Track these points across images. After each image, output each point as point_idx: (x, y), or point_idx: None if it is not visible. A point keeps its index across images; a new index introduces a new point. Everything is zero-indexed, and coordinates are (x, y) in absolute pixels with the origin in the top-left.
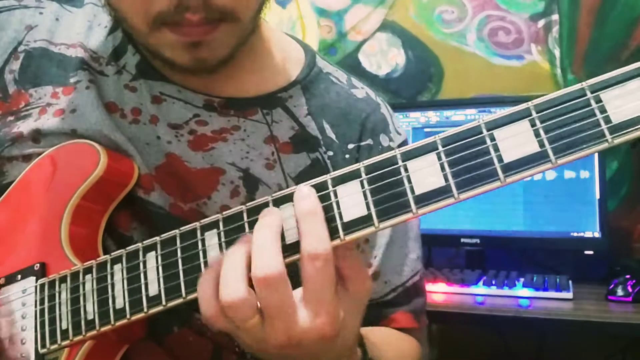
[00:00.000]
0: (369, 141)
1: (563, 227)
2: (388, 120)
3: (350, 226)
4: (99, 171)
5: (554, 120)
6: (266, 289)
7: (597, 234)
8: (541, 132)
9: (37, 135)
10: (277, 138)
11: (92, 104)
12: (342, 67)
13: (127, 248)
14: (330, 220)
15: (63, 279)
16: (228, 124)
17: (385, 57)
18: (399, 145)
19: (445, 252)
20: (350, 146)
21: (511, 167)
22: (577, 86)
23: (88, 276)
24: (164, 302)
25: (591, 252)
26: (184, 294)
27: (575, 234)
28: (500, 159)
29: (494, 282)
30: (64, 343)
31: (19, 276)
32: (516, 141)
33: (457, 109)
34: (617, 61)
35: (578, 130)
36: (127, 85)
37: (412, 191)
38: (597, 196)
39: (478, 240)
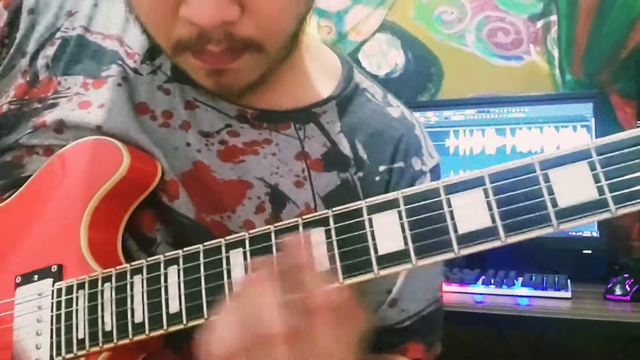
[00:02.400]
0: (401, 164)
1: None
2: (422, 142)
3: (384, 260)
4: (121, 172)
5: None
6: (288, 345)
7: (595, 234)
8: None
9: (61, 126)
10: (309, 154)
11: (121, 103)
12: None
13: (149, 259)
14: (363, 252)
15: (81, 285)
16: (260, 136)
17: (385, 58)
18: (432, 169)
19: None
20: (382, 168)
21: (565, 214)
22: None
23: (107, 284)
24: (184, 322)
25: (589, 252)
26: (205, 315)
27: (573, 233)
28: (554, 204)
29: (492, 282)
30: (80, 353)
31: (36, 276)
32: (573, 185)
33: (456, 109)
34: (615, 61)
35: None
36: (161, 87)
37: (455, 229)
38: None
39: None
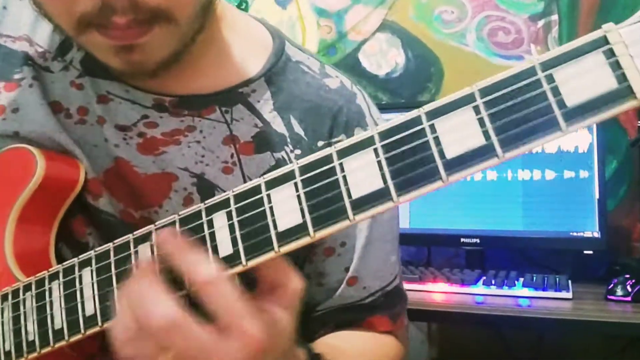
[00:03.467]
0: (342, 137)
1: (562, 226)
2: (364, 111)
3: (284, 236)
4: (37, 178)
5: (500, 107)
6: (168, 340)
7: (596, 234)
8: (486, 120)
9: None
10: (238, 138)
11: (35, 104)
12: (342, 67)
13: (64, 263)
14: (263, 230)
15: (5, 297)
16: (181, 124)
17: (385, 57)
18: None
19: (445, 252)
20: (320, 143)
21: (453, 164)
22: (527, 63)
23: (28, 293)
24: (99, 323)
25: (590, 252)
26: None
27: (574, 234)
28: (442, 155)
29: (493, 282)
30: None
31: None
32: (459, 133)
33: None
34: None
35: (527, 117)
36: (73, 83)
37: (349, 195)
38: (597, 196)
39: (478, 240)
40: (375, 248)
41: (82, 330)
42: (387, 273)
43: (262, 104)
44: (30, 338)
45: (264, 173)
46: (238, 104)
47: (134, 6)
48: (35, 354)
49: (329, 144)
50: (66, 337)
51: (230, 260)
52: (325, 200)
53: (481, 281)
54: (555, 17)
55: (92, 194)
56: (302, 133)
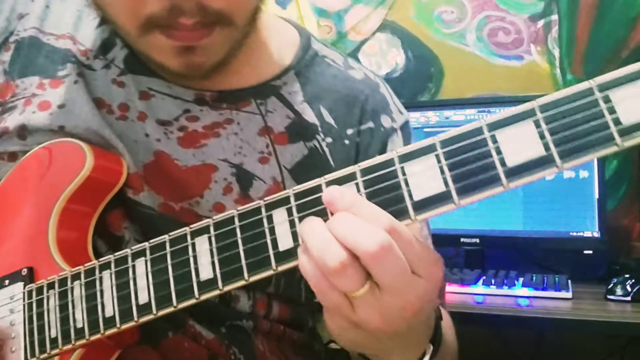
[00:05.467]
0: (370, 124)
1: (562, 226)
2: (388, 99)
3: None
4: (85, 172)
5: (560, 122)
6: (380, 261)
7: (596, 234)
8: (546, 134)
9: (23, 132)
10: (272, 129)
11: (81, 100)
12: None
13: (116, 254)
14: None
15: (51, 285)
16: (220, 117)
17: (385, 57)
18: (402, 126)
19: (444, 252)
20: (350, 131)
21: (514, 172)
22: (585, 84)
23: (76, 282)
24: (154, 311)
25: (590, 252)
26: (175, 303)
27: (574, 234)
28: (503, 163)
29: (493, 282)
30: (54, 352)
31: (7, 281)
32: (520, 144)
33: (456, 109)
34: (616, 61)
35: (585, 132)
36: (115, 80)
37: (411, 196)
38: (596, 196)
39: (477, 240)
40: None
41: (136, 318)
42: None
43: (293, 95)
44: (79, 325)
45: (298, 162)
46: (271, 96)
47: (200, 9)
48: (84, 341)
49: (359, 132)
50: (118, 325)
51: (289, 255)
52: (386, 200)
53: (481, 281)
54: (555, 17)
55: (133, 189)
56: (332, 122)
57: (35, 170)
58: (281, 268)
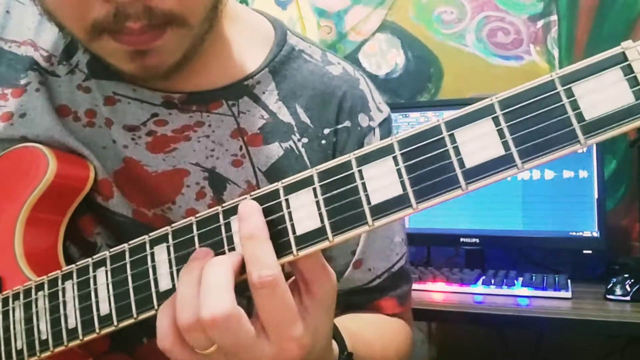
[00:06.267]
0: (347, 123)
1: (561, 226)
2: (367, 96)
3: (303, 240)
4: (48, 177)
5: (520, 119)
6: (217, 330)
7: (595, 234)
8: (506, 132)
9: None
10: (245, 130)
11: (42, 108)
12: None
13: (78, 263)
14: (281, 234)
15: (16, 296)
16: (190, 120)
17: (384, 58)
18: (380, 124)
19: (444, 252)
20: (327, 131)
21: (473, 173)
22: (546, 77)
23: (40, 293)
24: (115, 323)
25: (590, 252)
26: (135, 314)
27: (573, 234)
28: (461, 164)
29: (493, 282)
30: None
31: None
32: (478, 143)
33: (456, 109)
34: None
35: (547, 130)
36: (80, 86)
37: (368, 201)
38: (596, 195)
39: (477, 240)
40: (381, 229)
41: (97, 330)
42: (393, 253)
43: (267, 95)
44: (43, 337)
45: (273, 164)
46: (244, 96)
47: (147, 11)
48: (48, 353)
49: (336, 131)
50: (80, 337)
51: None
52: (344, 205)
53: (481, 281)
54: (554, 17)
55: (103, 195)
56: (308, 121)
57: None
58: (244, 277)
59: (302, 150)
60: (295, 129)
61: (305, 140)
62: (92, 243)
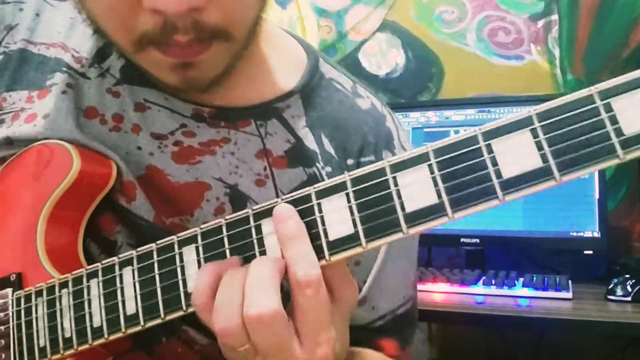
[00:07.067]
0: (371, 157)
1: (562, 226)
2: (393, 134)
3: (335, 246)
4: (72, 175)
5: (558, 132)
6: (259, 328)
7: (596, 234)
8: (544, 144)
9: (9, 142)
10: (271, 152)
11: (66, 111)
12: (342, 67)
13: (103, 262)
14: (314, 239)
15: (39, 292)
16: (217, 135)
17: (385, 57)
18: None
19: (445, 252)
20: (350, 162)
21: (511, 184)
22: (585, 91)
23: (64, 290)
24: (142, 322)
25: (590, 252)
26: (162, 314)
27: (574, 234)
28: (498, 175)
29: (493, 282)
30: None
31: None
32: (516, 154)
33: (457, 109)
34: (617, 61)
35: (585, 143)
36: (110, 90)
37: (403, 208)
38: (597, 196)
39: (478, 240)
40: (391, 268)
41: (123, 329)
42: (400, 296)
43: (295, 119)
44: (67, 335)
45: (295, 188)
46: (273, 118)
47: (195, 25)
48: (72, 351)
49: (358, 164)
50: (106, 335)
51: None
52: (378, 212)
53: (481, 281)
54: (555, 17)
55: (126, 197)
56: (332, 151)
57: (21, 174)
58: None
59: (326, 178)
60: (320, 157)
61: (328, 169)
62: (112, 241)
